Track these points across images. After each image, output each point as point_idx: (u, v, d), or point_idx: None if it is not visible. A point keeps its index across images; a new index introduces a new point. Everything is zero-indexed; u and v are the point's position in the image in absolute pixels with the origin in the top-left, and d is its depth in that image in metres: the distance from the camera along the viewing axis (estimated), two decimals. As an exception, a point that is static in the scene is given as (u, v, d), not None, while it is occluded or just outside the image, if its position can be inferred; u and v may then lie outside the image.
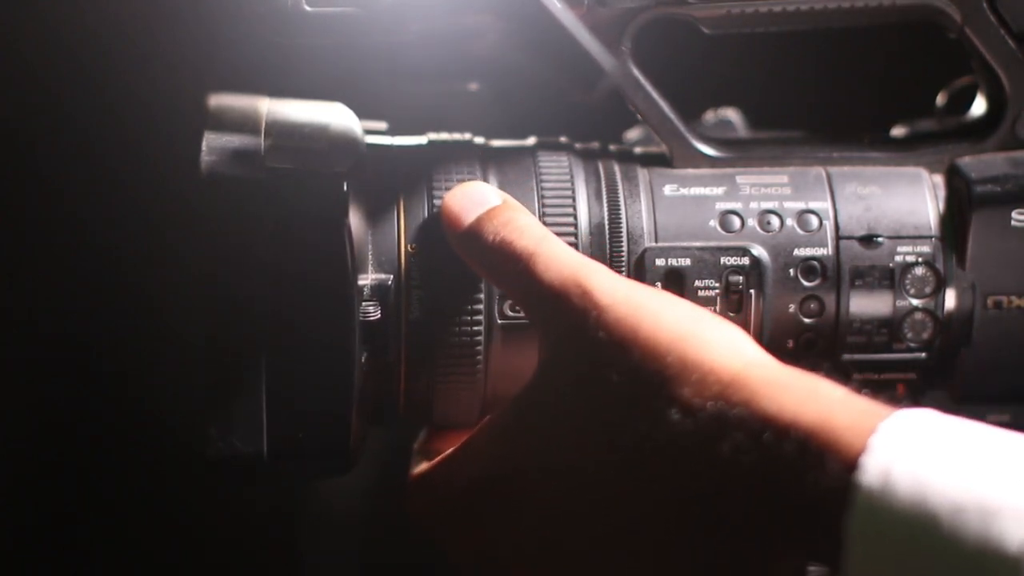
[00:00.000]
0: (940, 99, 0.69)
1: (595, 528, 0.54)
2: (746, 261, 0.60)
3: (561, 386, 0.55)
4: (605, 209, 0.61)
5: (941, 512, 0.44)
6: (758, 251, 0.60)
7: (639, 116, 0.63)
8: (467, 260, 0.59)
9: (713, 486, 0.50)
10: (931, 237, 0.61)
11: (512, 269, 0.57)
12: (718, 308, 0.60)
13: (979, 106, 0.66)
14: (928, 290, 0.61)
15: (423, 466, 0.60)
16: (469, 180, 0.61)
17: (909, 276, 0.61)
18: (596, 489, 0.54)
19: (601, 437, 0.53)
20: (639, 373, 0.52)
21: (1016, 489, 0.44)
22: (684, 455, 0.51)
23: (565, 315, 0.55)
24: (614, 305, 0.54)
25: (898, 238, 0.61)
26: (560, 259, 0.56)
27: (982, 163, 0.61)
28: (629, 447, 0.52)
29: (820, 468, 0.47)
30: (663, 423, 0.51)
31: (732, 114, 0.70)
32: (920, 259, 0.61)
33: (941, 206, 0.61)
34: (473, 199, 0.59)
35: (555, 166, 0.62)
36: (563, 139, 0.64)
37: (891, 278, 0.61)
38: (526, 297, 0.57)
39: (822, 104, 0.84)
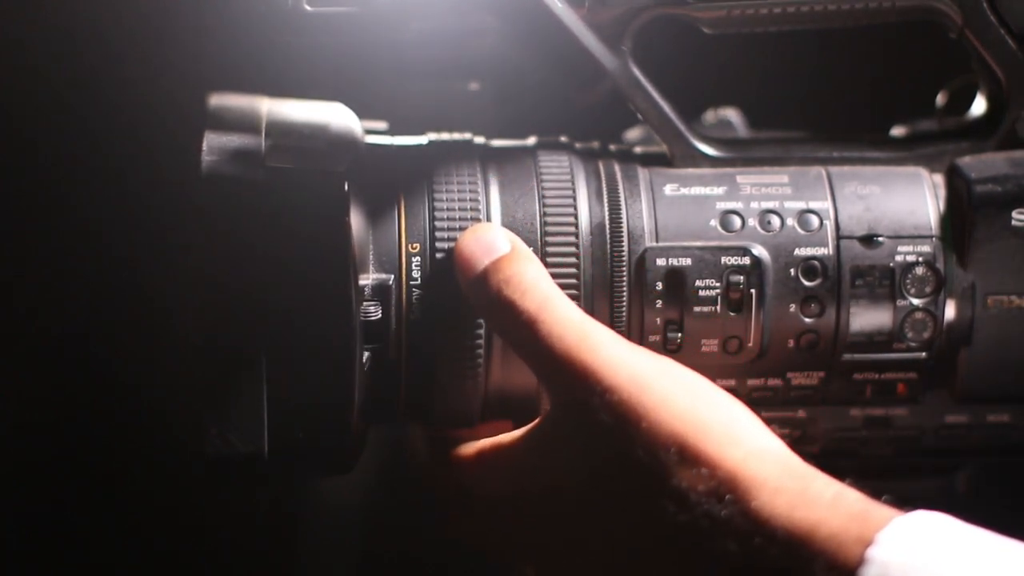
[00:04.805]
0: (940, 99, 0.69)
1: None
2: (747, 261, 0.60)
3: (563, 455, 0.56)
4: (606, 209, 0.61)
5: None
6: (759, 251, 0.60)
7: (639, 116, 0.63)
8: (476, 310, 0.59)
9: None
10: (931, 237, 0.61)
11: (516, 334, 0.57)
12: (719, 308, 0.60)
13: (979, 106, 0.66)
14: (928, 290, 0.61)
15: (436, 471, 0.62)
16: (469, 182, 0.61)
17: (909, 276, 0.61)
18: (585, 560, 0.55)
19: (596, 515, 0.54)
20: (638, 463, 0.53)
21: None
22: (674, 547, 0.52)
23: (569, 388, 0.55)
24: (618, 388, 0.54)
25: (898, 238, 0.61)
26: (562, 327, 0.56)
27: (982, 163, 0.61)
28: (622, 530, 0.54)
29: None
30: (657, 513, 0.52)
31: (732, 114, 0.70)
32: (920, 259, 0.61)
33: (941, 206, 0.61)
34: (482, 246, 0.59)
35: (555, 166, 0.62)
36: (563, 139, 0.64)
37: (891, 278, 0.60)
38: (530, 360, 0.57)
39: (822, 104, 0.84)
